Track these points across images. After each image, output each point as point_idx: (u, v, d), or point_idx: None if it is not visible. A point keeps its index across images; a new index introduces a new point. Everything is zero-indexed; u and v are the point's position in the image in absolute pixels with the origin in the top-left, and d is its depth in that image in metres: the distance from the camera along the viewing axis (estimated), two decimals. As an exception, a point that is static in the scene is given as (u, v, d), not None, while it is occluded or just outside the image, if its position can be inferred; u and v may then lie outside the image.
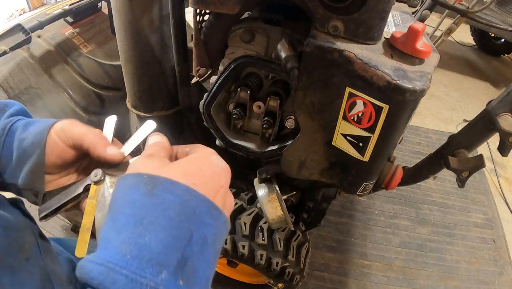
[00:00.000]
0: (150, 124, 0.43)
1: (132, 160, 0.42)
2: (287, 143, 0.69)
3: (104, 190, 0.40)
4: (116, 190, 0.33)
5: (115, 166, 0.42)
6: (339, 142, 0.63)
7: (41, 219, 0.41)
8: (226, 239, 0.93)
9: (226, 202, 0.37)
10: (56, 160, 0.43)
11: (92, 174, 0.41)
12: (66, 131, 0.42)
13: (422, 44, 0.53)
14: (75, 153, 0.44)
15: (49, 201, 0.42)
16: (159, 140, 0.40)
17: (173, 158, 0.41)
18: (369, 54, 0.53)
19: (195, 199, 0.32)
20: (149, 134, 0.42)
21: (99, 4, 1.37)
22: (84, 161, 0.47)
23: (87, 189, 0.41)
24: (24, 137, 0.42)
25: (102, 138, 0.43)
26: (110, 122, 0.46)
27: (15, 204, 0.43)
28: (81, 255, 0.38)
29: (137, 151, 0.43)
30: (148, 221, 0.30)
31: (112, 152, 0.42)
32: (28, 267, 0.35)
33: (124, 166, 0.41)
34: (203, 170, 0.35)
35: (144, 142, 0.42)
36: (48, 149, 0.42)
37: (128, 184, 0.33)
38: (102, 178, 0.41)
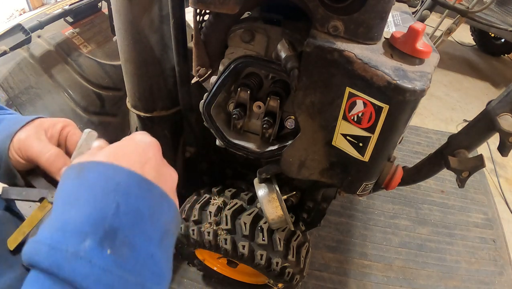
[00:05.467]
0: (91, 134, 0.46)
1: None
2: (287, 143, 0.69)
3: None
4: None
5: None
6: (339, 142, 0.63)
7: (2, 197, 0.44)
8: (226, 239, 0.93)
9: (164, 174, 0.38)
10: (23, 168, 0.45)
11: (50, 194, 0.43)
12: (23, 150, 0.44)
13: (422, 44, 0.53)
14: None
15: (15, 189, 0.45)
16: (99, 144, 0.44)
17: None
18: (369, 54, 0.53)
19: (119, 173, 0.34)
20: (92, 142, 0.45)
21: (99, 4, 1.37)
22: None
23: (42, 199, 0.43)
24: None
25: (58, 158, 0.44)
26: (90, 137, 0.47)
27: (5, 201, 0.45)
28: (11, 248, 0.40)
29: None
30: (74, 199, 0.32)
31: None
32: (8, 259, 0.38)
33: None
34: (125, 147, 0.38)
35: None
36: (12, 159, 0.44)
37: (62, 177, 0.35)
38: None
